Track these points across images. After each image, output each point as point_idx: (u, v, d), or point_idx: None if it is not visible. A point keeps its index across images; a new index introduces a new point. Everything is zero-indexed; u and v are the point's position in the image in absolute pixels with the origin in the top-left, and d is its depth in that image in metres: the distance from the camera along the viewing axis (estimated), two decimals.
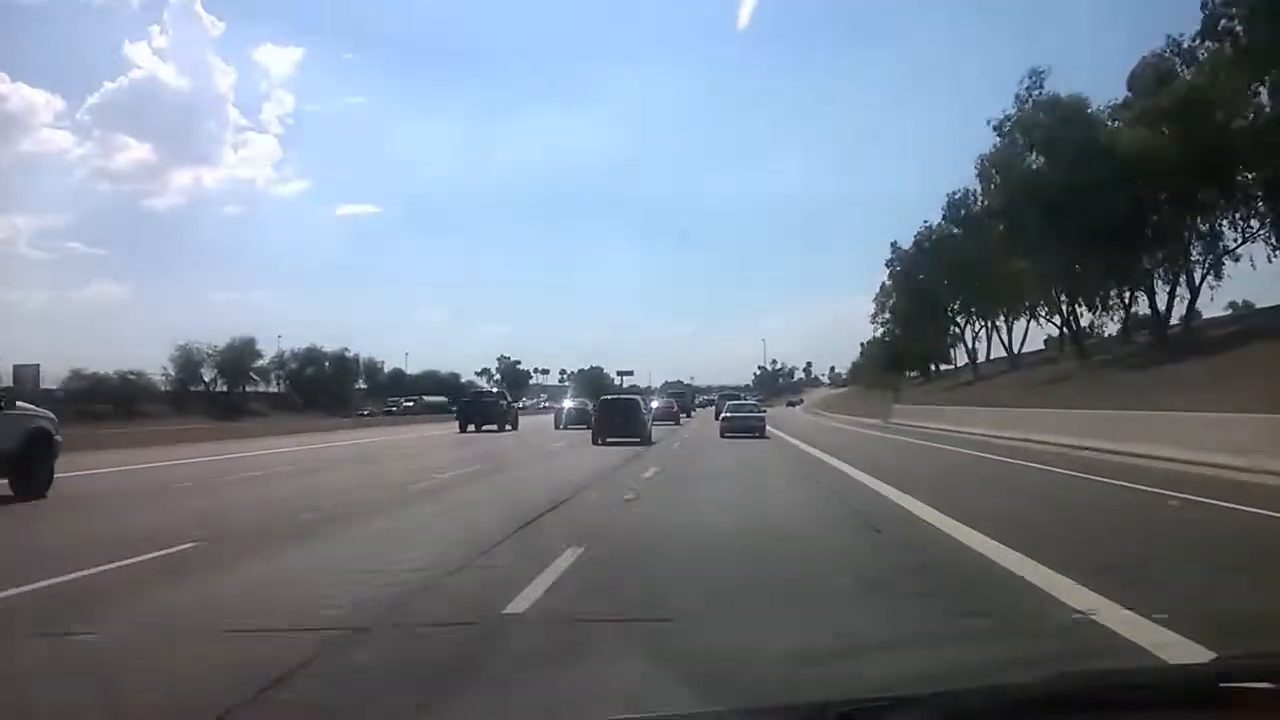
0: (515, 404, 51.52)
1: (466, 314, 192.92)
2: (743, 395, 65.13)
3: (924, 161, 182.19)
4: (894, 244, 66.54)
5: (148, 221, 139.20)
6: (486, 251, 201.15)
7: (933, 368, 79.72)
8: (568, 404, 47.14)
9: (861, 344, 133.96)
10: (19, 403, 12.93)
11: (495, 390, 51.94)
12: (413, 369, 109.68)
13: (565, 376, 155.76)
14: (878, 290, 75.74)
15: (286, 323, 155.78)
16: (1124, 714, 1.80)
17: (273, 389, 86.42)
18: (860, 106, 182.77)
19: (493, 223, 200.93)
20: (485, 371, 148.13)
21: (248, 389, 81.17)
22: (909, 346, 70.88)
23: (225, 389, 77.60)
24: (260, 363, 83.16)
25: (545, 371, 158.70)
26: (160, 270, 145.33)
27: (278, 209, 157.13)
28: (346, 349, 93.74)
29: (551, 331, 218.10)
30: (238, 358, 79.30)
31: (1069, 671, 1.97)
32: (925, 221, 61.39)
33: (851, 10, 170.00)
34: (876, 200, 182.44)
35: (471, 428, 38.74)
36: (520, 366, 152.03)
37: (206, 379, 78.10)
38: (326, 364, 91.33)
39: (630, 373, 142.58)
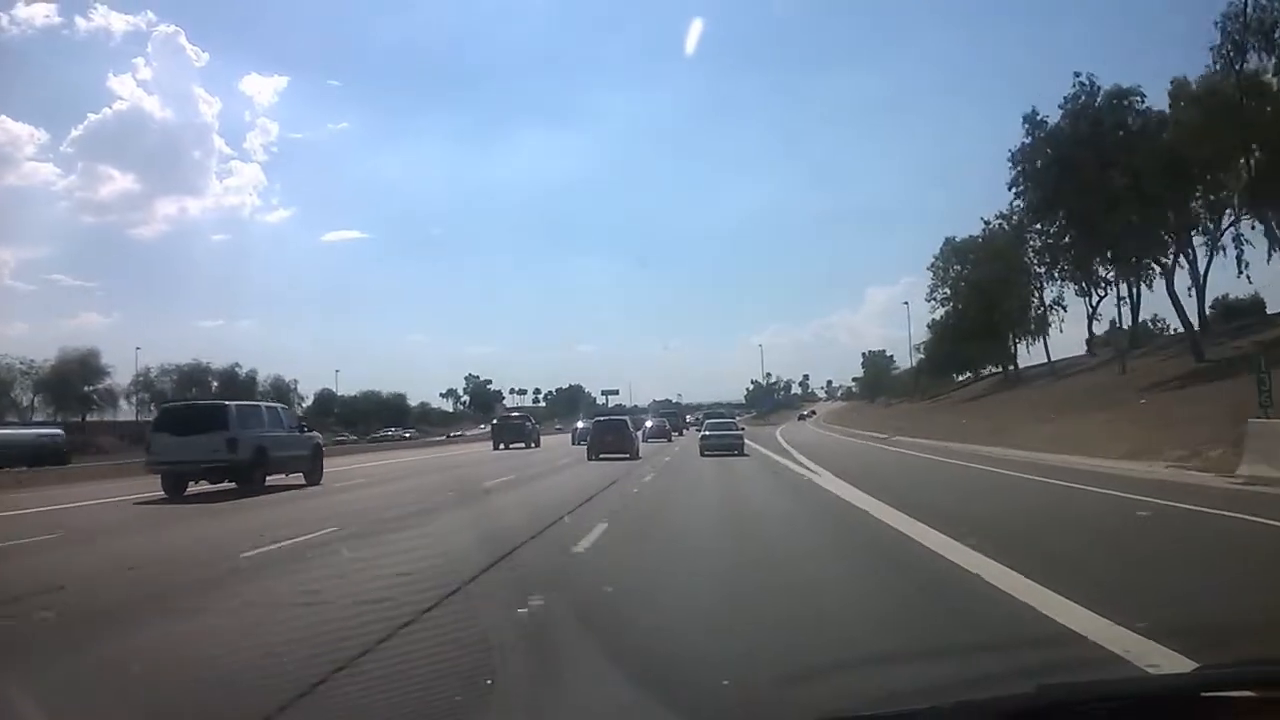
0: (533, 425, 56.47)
1: (451, 336, 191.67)
2: (730, 414, 65.77)
3: (917, 174, 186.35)
4: (1019, 152, 43.43)
5: (133, 252, 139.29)
6: (472, 274, 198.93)
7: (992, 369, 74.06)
8: (580, 424, 52.82)
9: (862, 355, 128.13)
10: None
11: (521, 415, 57.65)
12: (381, 389, 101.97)
13: (539, 397, 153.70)
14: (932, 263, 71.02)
15: (271, 349, 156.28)
16: None
17: (129, 416, 72.95)
18: (845, 122, 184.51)
19: (478, 245, 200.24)
20: (451, 392, 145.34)
21: (87, 418, 67.65)
22: (976, 329, 62.89)
23: (55, 416, 63.25)
24: (105, 383, 69.47)
25: (522, 392, 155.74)
26: (146, 300, 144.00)
27: (264, 237, 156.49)
28: (238, 365, 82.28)
29: (537, 352, 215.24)
30: (65, 378, 64.44)
31: (1050, 684, 1.98)
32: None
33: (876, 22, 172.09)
34: (865, 215, 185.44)
35: (503, 446, 44.35)
36: (491, 386, 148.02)
37: (23, 404, 64.12)
38: (214, 384, 79.22)
39: (615, 392, 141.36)
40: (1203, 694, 1.90)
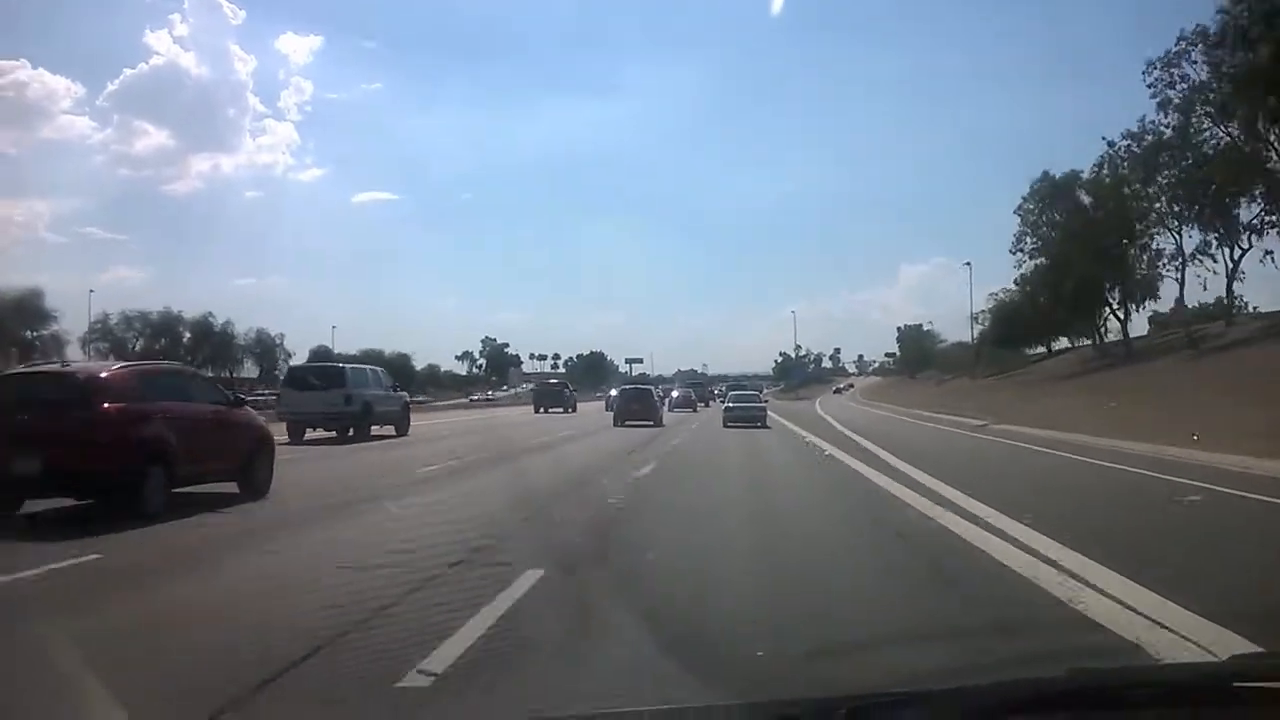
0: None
1: (476, 301, 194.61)
2: (757, 386, 65.56)
3: (949, 157, 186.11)
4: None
5: (167, 207, 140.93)
6: (499, 239, 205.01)
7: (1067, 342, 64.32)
8: (614, 392, 57.07)
9: (898, 330, 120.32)
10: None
11: (560, 381, 62.14)
12: (389, 349, 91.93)
13: (558, 363, 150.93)
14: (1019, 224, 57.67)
15: (301, 309, 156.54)
16: (1138, 712, 1.81)
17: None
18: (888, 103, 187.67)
19: (508, 211, 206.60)
20: (467, 355, 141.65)
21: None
22: (1074, 290, 49.64)
23: None
24: (53, 329, 60.56)
25: (543, 358, 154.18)
26: (178, 255, 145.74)
27: (296, 195, 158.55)
28: (210, 314, 73.09)
29: (561, 317, 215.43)
30: None
31: (1082, 668, 1.97)
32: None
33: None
34: (899, 196, 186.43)
35: (543, 410, 48.91)
36: (509, 350, 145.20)
37: None
38: (185, 335, 71.90)
39: (639, 360, 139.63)
40: (1235, 683, 1.89)
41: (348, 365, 25.99)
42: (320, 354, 79.59)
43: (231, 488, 10.46)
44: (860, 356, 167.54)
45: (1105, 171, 48.88)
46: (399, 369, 69.86)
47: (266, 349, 77.20)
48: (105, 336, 68.62)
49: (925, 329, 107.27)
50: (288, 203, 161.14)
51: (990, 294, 71.51)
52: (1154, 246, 48.64)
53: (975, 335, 74.49)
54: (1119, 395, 29.82)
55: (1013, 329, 66.02)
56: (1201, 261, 45.41)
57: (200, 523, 8.90)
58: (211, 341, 72.45)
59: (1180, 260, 46.48)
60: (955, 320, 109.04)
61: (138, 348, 67.31)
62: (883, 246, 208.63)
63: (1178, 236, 46.57)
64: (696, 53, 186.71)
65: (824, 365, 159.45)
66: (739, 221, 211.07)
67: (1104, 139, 47.64)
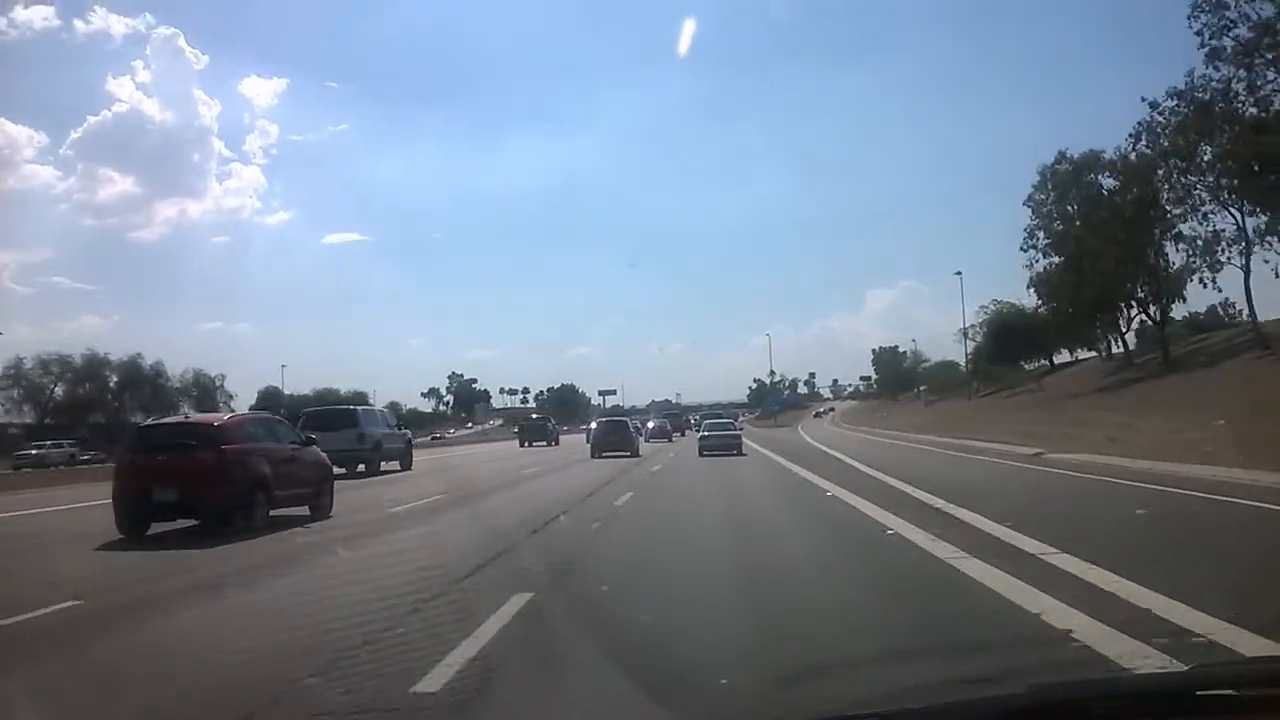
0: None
1: (448, 340, 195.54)
2: (733, 414, 66.45)
3: (915, 174, 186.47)
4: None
5: (133, 254, 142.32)
6: (474, 276, 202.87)
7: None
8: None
9: (872, 352, 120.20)
10: None
11: (542, 416, 65.68)
12: (347, 387, 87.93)
13: (527, 397, 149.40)
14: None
15: (271, 352, 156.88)
16: None
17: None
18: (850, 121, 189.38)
19: (481, 248, 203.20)
20: (434, 392, 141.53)
21: None
22: (1100, 287, 44.27)
23: None
24: None
25: (514, 392, 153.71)
26: (146, 302, 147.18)
27: (264, 239, 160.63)
28: (140, 355, 69.47)
29: (534, 355, 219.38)
30: None
31: (1044, 683, 2.04)
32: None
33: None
34: (863, 216, 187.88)
35: (528, 444, 51.97)
36: (477, 386, 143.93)
37: None
38: (112, 379, 68.80)
39: (613, 392, 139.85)
40: (1198, 692, 1.91)
41: (359, 407, 29.19)
42: (269, 395, 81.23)
43: (303, 511, 13.57)
44: (835, 381, 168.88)
45: (1144, 143, 41.20)
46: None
47: (205, 391, 74.11)
48: (18, 383, 63.76)
49: (907, 350, 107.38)
50: (256, 247, 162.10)
51: (981, 306, 67.91)
52: (1200, 229, 41.09)
53: (969, 351, 69.61)
54: (1203, 409, 23.94)
55: (1009, 342, 61.44)
56: (1271, 245, 38.44)
57: (291, 536, 11.97)
58: (140, 385, 68.44)
59: (1244, 243, 39.60)
60: (926, 342, 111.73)
61: (56, 393, 64.56)
62: (849, 271, 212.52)
63: (1238, 215, 39.97)
64: (659, 82, 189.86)
65: (799, 390, 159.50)
66: (707, 250, 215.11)
67: (1144, 99, 40.32)
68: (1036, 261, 50.51)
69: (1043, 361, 64.28)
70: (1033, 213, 50.28)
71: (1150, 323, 48.91)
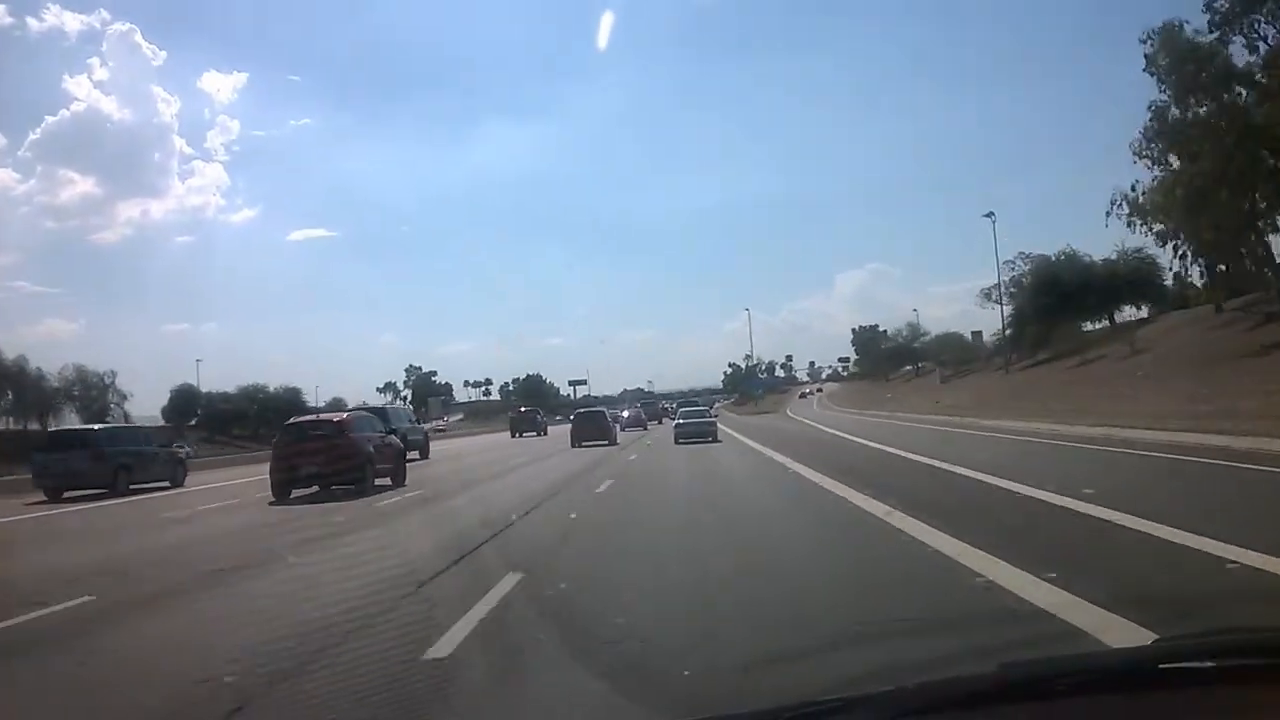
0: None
1: (420, 333, 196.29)
2: (709, 401, 68.88)
3: (883, 161, 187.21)
4: None
5: (96, 257, 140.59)
6: (441, 271, 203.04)
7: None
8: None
9: (852, 331, 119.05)
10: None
11: (531, 409, 72.60)
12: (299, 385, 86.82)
13: (490, 389, 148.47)
14: None
15: (239, 352, 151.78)
16: (1068, 700, 1.86)
17: None
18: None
19: (448, 241, 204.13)
20: (390, 386, 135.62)
21: None
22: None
23: None
24: None
25: (478, 384, 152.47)
26: (111, 305, 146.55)
27: (229, 238, 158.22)
28: (23, 357, 64.99)
29: (506, 346, 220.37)
30: None
31: (1011, 662, 2.04)
32: None
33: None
34: (830, 199, 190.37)
35: (519, 435, 58.43)
36: (436, 379, 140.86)
37: None
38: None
39: (583, 382, 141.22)
40: (1161, 665, 1.95)
41: (388, 406, 35.64)
42: (184, 392, 79.64)
43: (386, 481, 19.97)
44: (812, 363, 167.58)
45: None
46: (288, 405, 64.88)
47: (96, 391, 69.48)
48: None
49: (897, 328, 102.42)
50: (221, 245, 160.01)
51: (1020, 253, 57.05)
52: None
53: (1008, 315, 56.96)
54: None
55: (1060, 300, 49.20)
56: None
57: (389, 496, 18.27)
58: (22, 385, 63.98)
59: None
60: (892, 323, 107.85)
61: None
62: (819, 254, 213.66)
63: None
64: (624, 70, 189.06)
65: (777, 374, 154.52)
66: (676, 236, 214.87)
67: None
68: (1151, 169, 36.87)
69: (1103, 322, 52.24)
70: (1152, 115, 36.04)
71: None
